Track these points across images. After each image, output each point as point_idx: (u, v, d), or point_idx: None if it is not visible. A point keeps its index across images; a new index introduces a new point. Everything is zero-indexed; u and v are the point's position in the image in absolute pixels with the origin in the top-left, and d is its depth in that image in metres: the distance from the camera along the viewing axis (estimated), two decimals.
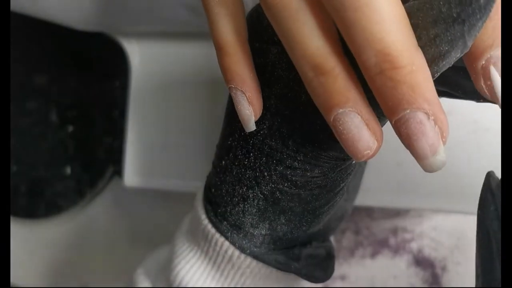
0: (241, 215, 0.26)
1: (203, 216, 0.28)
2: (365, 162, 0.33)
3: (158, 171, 0.43)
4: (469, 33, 0.17)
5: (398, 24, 0.16)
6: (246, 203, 0.25)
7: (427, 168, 0.18)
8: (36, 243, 0.53)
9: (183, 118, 0.43)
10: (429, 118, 0.17)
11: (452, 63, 0.18)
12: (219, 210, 0.27)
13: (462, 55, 0.18)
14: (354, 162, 0.25)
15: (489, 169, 0.21)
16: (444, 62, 0.18)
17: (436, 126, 0.17)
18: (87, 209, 0.51)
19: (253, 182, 0.25)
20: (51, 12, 0.40)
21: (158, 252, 0.35)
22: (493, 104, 0.19)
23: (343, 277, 0.45)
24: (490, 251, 0.19)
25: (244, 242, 0.26)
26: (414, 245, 0.44)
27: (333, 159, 0.23)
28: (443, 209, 0.38)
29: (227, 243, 0.27)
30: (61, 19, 0.41)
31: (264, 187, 0.24)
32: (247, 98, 0.22)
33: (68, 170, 0.52)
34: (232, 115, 0.25)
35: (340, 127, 0.18)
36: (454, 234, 0.44)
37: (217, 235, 0.27)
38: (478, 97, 0.20)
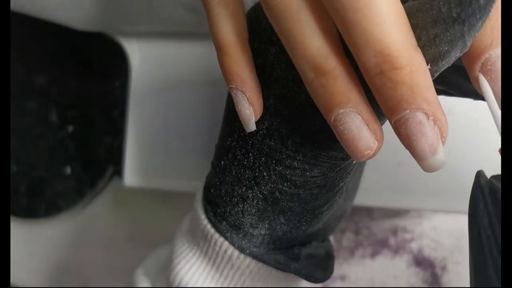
0: (241, 215, 0.26)
1: (203, 216, 0.28)
2: (365, 161, 0.33)
3: (158, 171, 0.44)
4: (469, 33, 0.17)
5: (398, 25, 0.17)
6: (245, 203, 0.25)
7: (427, 168, 0.18)
8: (36, 243, 0.53)
9: (183, 118, 0.43)
10: (428, 118, 0.17)
11: (452, 62, 0.18)
12: (219, 210, 0.27)
13: (461, 54, 0.18)
14: (353, 161, 0.25)
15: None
16: (443, 62, 0.18)
17: (436, 126, 0.17)
18: (87, 209, 0.51)
19: (253, 182, 0.25)
20: (51, 12, 0.40)
21: (158, 252, 0.35)
22: None
23: (343, 277, 0.45)
24: (481, 248, 0.19)
25: (243, 242, 0.26)
26: (414, 245, 0.44)
27: (333, 158, 0.23)
28: (443, 209, 0.38)
29: (226, 243, 0.27)
30: (61, 19, 0.41)
31: (263, 187, 0.24)
32: (247, 98, 0.22)
33: (68, 170, 0.52)
34: (231, 115, 0.25)
35: (340, 127, 0.18)
36: (454, 234, 0.44)
37: (217, 235, 0.27)
38: (476, 95, 0.20)
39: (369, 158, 0.19)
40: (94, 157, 0.51)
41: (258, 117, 0.23)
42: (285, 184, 0.24)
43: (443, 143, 0.17)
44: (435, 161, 0.17)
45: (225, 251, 0.27)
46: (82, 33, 0.43)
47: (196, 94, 0.42)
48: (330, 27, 0.18)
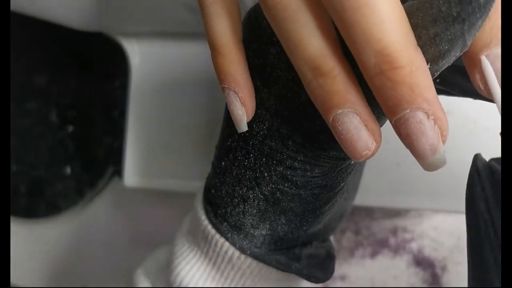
0: (241, 216, 0.26)
1: (203, 217, 0.28)
2: (364, 161, 0.33)
3: (158, 171, 0.44)
4: (469, 32, 0.17)
5: (398, 24, 0.16)
6: (246, 204, 0.25)
7: (427, 167, 0.18)
8: (36, 243, 0.53)
9: (183, 118, 0.43)
10: (428, 117, 0.17)
11: (452, 62, 0.18)
12: (219, 211, 0.27)
13: (461, 53, 0.18)
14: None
15: None
16: (443, 61, 0.18)
17: (436, 126, 0.17)
18: (87, 209, 0.51)
19: (253, 183, 0.25)
20: (51, 12, 0.40)
21: (158, 252, 0.35)
22: (493, 104, 0.19)
23: (343, 277, 0.45)
24: (478, 232, 0.19)
25: (244, 242, 0.26)
26: (414, 245, 0.44)
27: (333, 158, 0.23)
28: (443, 209, 0.38)
29: (227, 244, 0.27)
30: (61, 19, 0.41)
31: (264, 188, 0.24)
32: (239, 99, 0.22)
33: (68, 170, 0.52)
34: None
35: (339, 127, 0.18)
36: (454, 234, 0.44)
37: (217, 236, 0.27)
38: (475, 94, 0.20)
39: (367, 158, 0.19)
40: (94, 157, 0.51)
41: (250, 117, 0.23)
42: (286, 185, 0.24)
43: (444, 142, 0.17)
44: (436, 160, 0.17)
45: (226, 252, 0.27)
46: (82, 33, 0.43)
47: (196, 94, 0.42)
48: (329, 27, 0.18)
